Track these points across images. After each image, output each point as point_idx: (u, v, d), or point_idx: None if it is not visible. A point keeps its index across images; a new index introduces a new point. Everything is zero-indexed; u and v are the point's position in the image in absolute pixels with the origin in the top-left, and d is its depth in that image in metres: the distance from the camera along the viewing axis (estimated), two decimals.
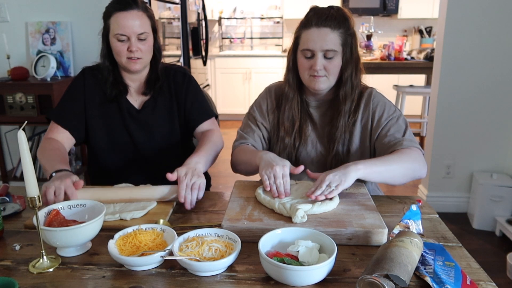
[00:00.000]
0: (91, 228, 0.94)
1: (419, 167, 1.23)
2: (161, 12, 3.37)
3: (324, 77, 1.29)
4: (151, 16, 1.44)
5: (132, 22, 1.36)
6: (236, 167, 1.41)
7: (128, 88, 1.50)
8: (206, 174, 1.72)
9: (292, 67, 1.37)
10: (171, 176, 1.18)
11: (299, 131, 1.39)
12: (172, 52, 3.63)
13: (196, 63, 4.07)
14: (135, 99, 1.52)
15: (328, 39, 1.25)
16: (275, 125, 1.43)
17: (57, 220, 0.97)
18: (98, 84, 1.49)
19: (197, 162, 1.27)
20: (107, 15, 1.40)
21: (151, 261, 0.89)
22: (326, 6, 1.31)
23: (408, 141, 1.26)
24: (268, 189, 1.13)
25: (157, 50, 1.49)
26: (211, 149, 1.39)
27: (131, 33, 1.36)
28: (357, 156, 1.36)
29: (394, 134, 1.29)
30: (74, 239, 0.93)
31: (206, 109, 1.56)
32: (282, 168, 1.14)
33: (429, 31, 5.43)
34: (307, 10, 1.33)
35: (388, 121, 1.32)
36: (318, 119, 1.41)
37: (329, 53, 1.26)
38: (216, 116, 1.59)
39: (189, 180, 1.18)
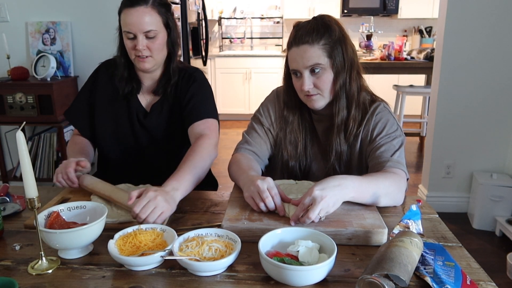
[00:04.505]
0: (92, 231, 0.94)
1: (400, 197, 1.18)
2: None
3: (317, 95, 1.24)
4: (163, 12, 1.37)
5: (137, 20, 1.31)
6: (229, 175, 1.34)
7: (141, 86, 1.48)
8: (212, 178, 1.70)
9: (287, 89, 1.33)
10: (130, 198, 1.05)
11: (304, 152, 1.36)
12: None
13: (196, 63, 4.06)
14: (145, 98, 1.50)
15: (308, 55, 1.19)
16: (278, 142, 1.38)
17: (57, 223, 0.97)
18: (111, 80, 1.48)
19: (175, 189, 1.11)
20: (120, 10, 1.37)
21: (151, 261, 0.89)
22: (316, 14, 1.26)
23: (394, 162, 1.20)
24: (256, 208, 1.06)
25: (171, 48, 1.43)
26: (197, 168, 1.22)
27: (136, 30, 1.32)
28: (357, 172, 1.32)
29: (383, 152, 1.23)
30: (75, 241, 0.92)
31: (200, 110, 1.42)
32: (265, 181, 1.07)
33: (429, 31, 5.43)
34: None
35: (383, 139, 1.26)
36: (321, 133, 1.37)
37: (314, 69, 1.20)
38: (216, 118, 1.45)
39: (152, 203, 1.02)
